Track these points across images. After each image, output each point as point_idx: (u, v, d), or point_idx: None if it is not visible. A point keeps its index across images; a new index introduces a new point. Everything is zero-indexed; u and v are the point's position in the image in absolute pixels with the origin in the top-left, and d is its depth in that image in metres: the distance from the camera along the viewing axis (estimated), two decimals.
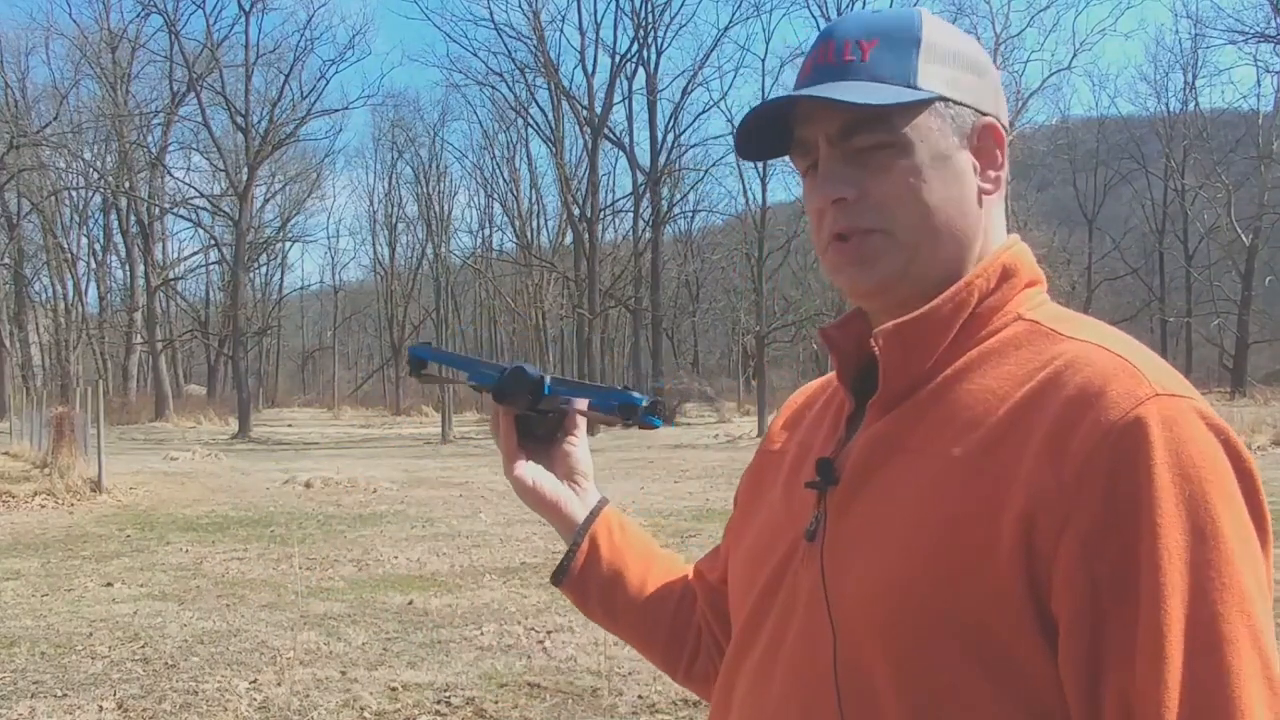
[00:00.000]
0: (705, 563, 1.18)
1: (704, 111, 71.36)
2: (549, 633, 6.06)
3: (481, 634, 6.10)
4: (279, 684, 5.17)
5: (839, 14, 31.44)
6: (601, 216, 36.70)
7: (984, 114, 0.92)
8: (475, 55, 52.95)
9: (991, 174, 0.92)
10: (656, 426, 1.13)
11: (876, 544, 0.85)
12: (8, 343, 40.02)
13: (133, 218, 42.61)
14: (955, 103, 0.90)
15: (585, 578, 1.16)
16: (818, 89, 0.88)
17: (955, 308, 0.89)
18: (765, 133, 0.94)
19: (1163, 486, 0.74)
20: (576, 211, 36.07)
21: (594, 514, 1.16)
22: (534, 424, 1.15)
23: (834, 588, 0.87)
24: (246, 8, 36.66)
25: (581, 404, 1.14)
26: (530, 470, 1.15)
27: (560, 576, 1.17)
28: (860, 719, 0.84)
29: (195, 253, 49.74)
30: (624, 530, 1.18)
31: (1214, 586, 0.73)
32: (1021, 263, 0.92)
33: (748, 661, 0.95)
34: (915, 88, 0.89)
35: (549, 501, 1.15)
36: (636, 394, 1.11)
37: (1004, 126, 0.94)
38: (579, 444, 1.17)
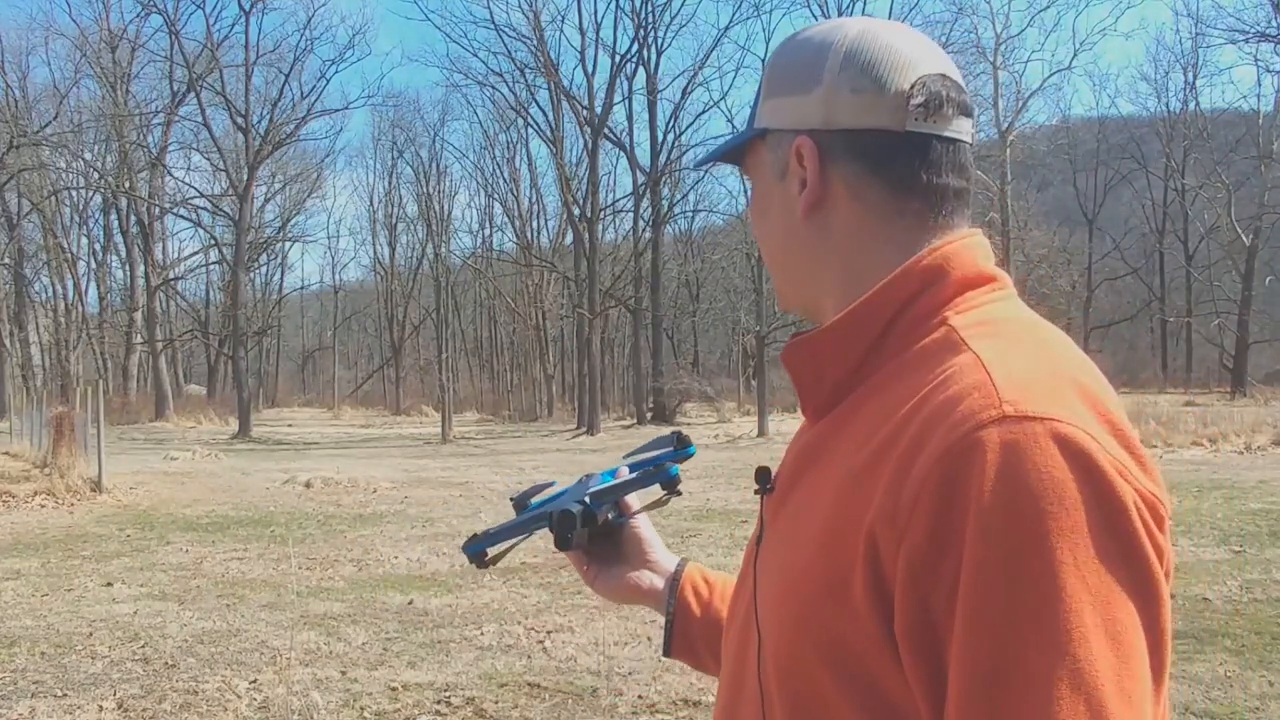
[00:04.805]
0: None
1: (704, 111, 70.97)
2: (549, 633, 6.06)
3: (481, 634, 6.10)
4: (279, 684, 5.17)
5: (839, 14, 31.45)
6: (601, 216, 36.68)
7: (801, 131, 0.88)
8: (475, 55, 53.26)
9: (806, 191, 0.88)
10: (691, 455, 1.17)
11: (786, 552, 0.86)
12: (8, 343, 40.02)
13: (133, 218, 42.61)
14: (776, 131, 0.90)
15: (690, 640, 1.19)
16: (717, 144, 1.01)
17: (867, 316, 0.85)
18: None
19: (984, 517, 0.69)
20: (576, 211, 36.05)
21: (676, 579, 1.20)
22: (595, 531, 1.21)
23: (759, 592, 0.89)
24: (246, 8, 36.73)
25: (632, 498, 1.20)
26: (608, 578, 1.20)
27: (667, 647, 1.21)
28: None
29: (195, 253, 49.85)
30: (709, 583, 1.21)
31: (1031, 628, 0.68)
32: (953, 262, 0.85)
33: (725, 663, 0.99)
34: (752, 128, 0.93)
35: (636, 593, 1.20)
36: (671, 465, 1.15)
37: (850, 128, 0.86)
38: (640, 522, 1.21)
